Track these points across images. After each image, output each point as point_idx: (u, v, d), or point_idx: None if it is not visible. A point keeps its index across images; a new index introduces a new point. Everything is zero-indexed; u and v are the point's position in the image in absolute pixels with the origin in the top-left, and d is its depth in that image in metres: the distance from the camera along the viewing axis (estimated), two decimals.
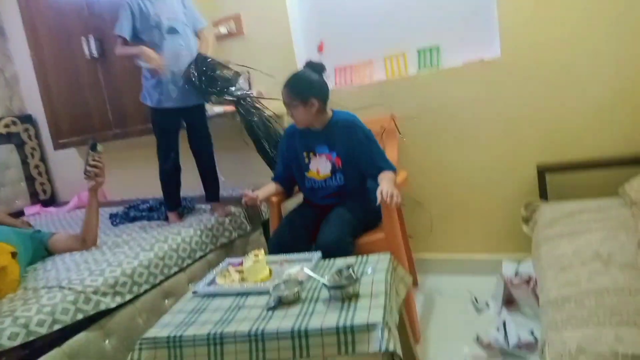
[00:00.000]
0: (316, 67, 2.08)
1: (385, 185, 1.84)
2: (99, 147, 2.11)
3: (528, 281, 1.99)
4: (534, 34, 2.22)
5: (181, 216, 2.58)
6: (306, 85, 2.02)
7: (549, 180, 2.23)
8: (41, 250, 2.17)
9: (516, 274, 2.07)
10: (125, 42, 2.32)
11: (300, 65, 2.75)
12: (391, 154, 2.34)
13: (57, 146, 3.56)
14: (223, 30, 2.93)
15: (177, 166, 2.52)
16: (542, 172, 2.22)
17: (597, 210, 1.85)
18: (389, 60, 2.67)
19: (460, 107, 2.44)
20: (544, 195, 2.23)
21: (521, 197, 2.29)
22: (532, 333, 1.80)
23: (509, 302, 2.07)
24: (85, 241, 2.19)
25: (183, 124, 2.54)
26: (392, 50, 2.65)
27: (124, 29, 2.29)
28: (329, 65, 2.77)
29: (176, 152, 2.50)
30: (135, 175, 3.47)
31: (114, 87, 3.12)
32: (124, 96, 3.07)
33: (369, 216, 2.09)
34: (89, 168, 2.09)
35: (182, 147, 2.54)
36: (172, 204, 2.57)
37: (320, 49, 2.85)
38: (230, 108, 2.66)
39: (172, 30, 2.34)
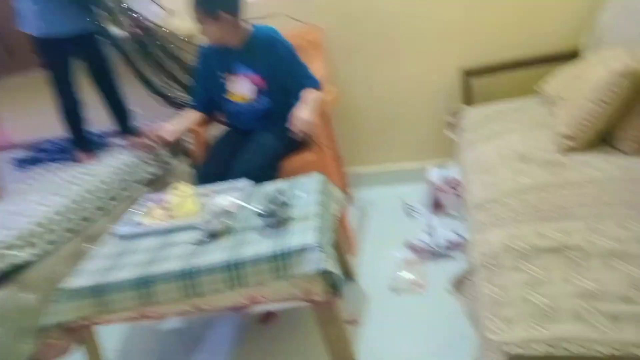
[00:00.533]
0: None
1: (300, 111, 1.77)
2: None
3: (454, 185, 2.06)
4: None
5: (93, 154, 2.38)
6: None
7: (474, 85, 2.24)
8: None
9: (443, 178, 2.13)
10: None
11: None
12: (317, 69, 2.23)
13: None
14: None
15: (76, 100, 2.29)
16: (466, 77, 2.23)
17: (517, 110, 1.90)
18: None
19: (385, 16, 2.33)
20: (468, 99, 2.25)
21: (447, 103, 2.31)
22: (459, 234, 1.89)
23: (437, 206, 2.15)
24: None
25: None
26: None
27: None
28: None
29: (72, 85, 2.26)
30: (40, 113, 3.10)
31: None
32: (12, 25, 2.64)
33: (296, 137, 2.02)
34: None
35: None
36: (79, 142, 2.36)
37: None
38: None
39: None
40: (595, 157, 1.40)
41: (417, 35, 2.33)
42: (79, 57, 2.27)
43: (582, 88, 1.51)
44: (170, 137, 1.96)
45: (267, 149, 1.90)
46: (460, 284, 1.12)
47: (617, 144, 1.41)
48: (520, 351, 0.79)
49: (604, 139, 1.47)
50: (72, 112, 2.30)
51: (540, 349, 0.78)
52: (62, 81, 2.22)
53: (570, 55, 2.01)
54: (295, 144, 2.02)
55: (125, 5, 2.21)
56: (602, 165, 1.34)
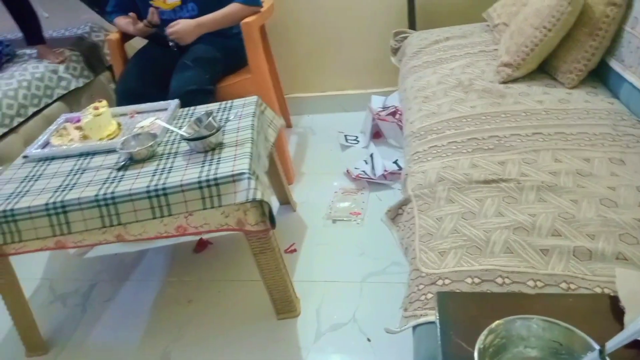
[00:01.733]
0: None
1: (181, 23, 1.69)
2: None
3: (394, 113, 2.02)
4: None
5: None
6: None
7: (420, 7, 2.13)
8: None
9: (384, 106, 2.08)
10: None
11: None
12: None
13: None
14: None
15: None
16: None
17: (461, 36, 1.84)
18: None
19: None
20: (412, 24, 2.15)
21: (391, 27, 2.19)
22: (397, 163, 1.88)
23: (376, 135, 2.12)
24: None
25: None
26: None
27: None
28: None
29: None
30: None
31: None
32: None
33: (232, 55, 1.85)
34: None
35: None
36: None
37: None
38: None
39: None
40: (534, 88, 1.39)
41: None
42: None
43: (525, 14, 1.46)
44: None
45: (205, 64, 1.73)
46: (394, 214, 1.11)
47: (558, 76, 1.40)
48: (450, 284, 0.78)
49: (544, 70, 1.46)
50: None
51: (472, 282, 0.77)
52: None
53: None
54: (235, 63, 1.86)
55: None
56: (540, 96, 1.33)
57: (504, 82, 1.44)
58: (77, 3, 2.36)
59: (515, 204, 0.92)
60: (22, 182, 1.30)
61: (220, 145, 1.32)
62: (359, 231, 1.68)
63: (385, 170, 1.85)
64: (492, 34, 1.75)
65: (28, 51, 2.20)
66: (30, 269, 1.71)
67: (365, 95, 2.32)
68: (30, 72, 1.99)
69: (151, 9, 1.74)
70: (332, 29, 2.36)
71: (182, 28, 1.70)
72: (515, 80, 1.44)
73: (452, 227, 0.90)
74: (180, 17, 1.80)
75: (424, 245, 0.90)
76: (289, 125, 2.39)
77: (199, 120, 1.35)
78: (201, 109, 1.54)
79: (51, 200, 1.18)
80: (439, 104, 1.43)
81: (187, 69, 1.70)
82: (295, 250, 1.64)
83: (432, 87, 1.54)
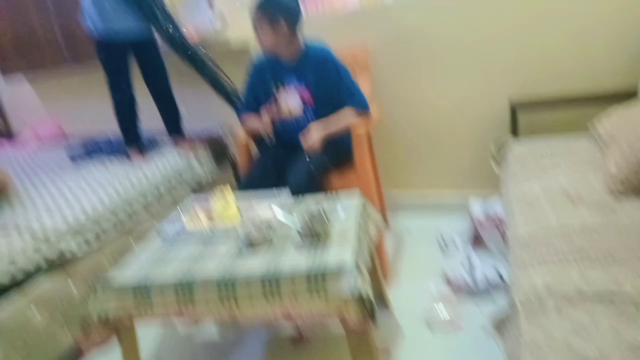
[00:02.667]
0: None
1: (313, 128, 1.89)
2: None
3: (496, 220, 2.02)
4: None
5: (143, 152, 2.47)
6: (276, 4, 1.88)
7: (521, 116, 2.21)
8: None
9: (484, 212, 2.09)
10: None
11: None
12: (363, 87, 2.25)
13: (4, 71, 3.26)
14: None
15: (131, 97, 2.38)
16: (514, 108, 2.19)
17: (566, 147, 1.85)
18: None
19: (434, 37, 2.34)
20: (514, 131, 2.22)
21: (492, 132, 2.27)
22: (498, 272, 1.85)
23: (476, 240, 2.11)
24: None
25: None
26: None
27: None
28: None
29: (128, 83, 2.35)
30: (95, 107, 3.26)
31: (61, 5, 2.82)
32: (74, 17, 2.78)
33: (340, 152, 2.05)
34: None
35: (136, 77, 2.39)
36: (131, 139, 2.44)
37: None
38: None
39: None
40: None
41: (465, 60, 2.32)
42: (135, 57, 2.37)
43: (636, 130, 1.46)
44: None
45: (312, 164, 1.93)
46: (500, 324, 1.10)
47: None
48: None
49: None
50: (125, 110, 2.38)
51: None
52: (117, 79, 2.31)
53: (626, 95, 1.95)
54: (342, 158, 2.05)
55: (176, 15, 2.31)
56: None
57: (614, 196, 1.42)
58: (213, 105, 2.79)
59: (632, 323, 0.89)
60: (156, 256, 1.50)
61: (327, 237, 1.43)
62: (457, 340, 1.63)
63: (487, 279, 1.82)
64: (599, 145, 1.75)
65: (167, 141, 2.59)
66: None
67: (464, 197, 2.36)
68: (167, 159, 2.33)
69: (269, 108, 2.00)
70: (433, 130, 2.50)
71: (314, 140, 1.94)
72: (625, 193, 1.42)
73: (563, 342, 0.89)
74: (301, 125, 2.05)
75: (534, 359, 0.89)
76: (386, 224, 2.47)
77: (309, 212, 1.48)
78: (311, 200, 1.70)
79: (180, 276, 1.35)
80: (544, 213, 1.43)
81: (302, 164, 1.90)
82: (389, 351, 1.63)
83: (536, 196, 1.55)
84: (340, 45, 2.30)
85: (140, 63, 2.39)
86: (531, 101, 2.18)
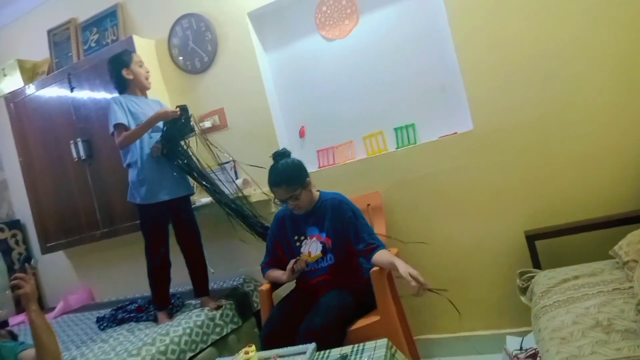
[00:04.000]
0: (286, 153, 2.15)
1: (403, 266, 1.82)
2: (33, 262, 1.86)
3: (533, 356, 1.90)
4: (503, 102, 2.30)
5: (171, 316, 2.47)
6: (297, 171, 2.08)
7: (540, 246, 2.21)
8: None
9: (521, 348, 1.98)
10: (123, 130, 2.32)
11: None
12: (379, 230, 2.33)
13: (45, 250, 3.51)
14: (208, 124, 3.03)
15: (168, 262, 2.47)
16: (531, 239, 2.20)
17: (591, 274, 1.81)
18: (369, 140, 2.75)
19: (442, 178, 2.47)
20: (536, 262, 2.19)
21: (515, 266, 2.24)
22: None
23: None
24: None
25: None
26: (371, 130, 2.74)
27: (121, 118, 2.31)
28: (312, 148, 2.87)
29: (167, 247, 2.46)
30: (124, 274, 3.40)
31: (101, 187, 3.15)
32: (111, 195, 3.10)
33: (361, 298, 2.04)
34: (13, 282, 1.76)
35: (171, 241, 2.52)
36: (162, 304, 2.47)
37: (301, 134, 2.94)
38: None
39: (155, 129, 2.41)
40: None
41: (478, 197, 2.40)
42: (172, 217, 2.50)
43: None
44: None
45: (333, 309, 1.92)
46: None
47: None
48: None
49: None
50: (159, 274, 2.44)
51: None
52: (158, 243, 2.41)
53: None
54: (364, 304, 2.03)
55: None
56: None
57: None
58: (236, 259, 2.88)
59: None
60: None
61: None
62: None
63: None
64: (624, 272, 1.72)
65: (193, 301, 2.63)
66: None
67: (499, 337, 2.23)
68: (193, 320, 2.34)
69: (301, 259, 2.07)
70: (454, 267, 2.48)
71: (413, 272, 1.83)
72: None
73: None
74: (321, 267, 2.11)
75: None
76: None
77: None
78: (336, 352, 1.65)
79: None
80: (578, 345, 1.36)
81: (318, 313, 1.89)
82: None
83: (568, 328, 1.49)
84: (354, 193, 2.45)
85: (175, 222, 2.51)
86: (546, 232, 2.19)
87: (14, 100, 3.47)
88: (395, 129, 2.67)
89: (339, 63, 2.80)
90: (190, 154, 2.54)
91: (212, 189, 2.57)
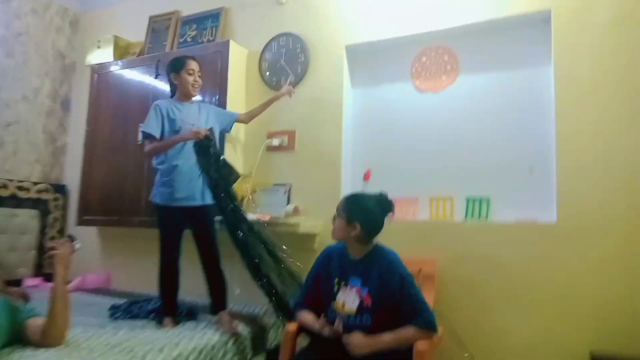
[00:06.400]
0: (383, 203, 1.97)
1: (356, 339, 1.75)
2: (76, 243, 1.97)
3: None
4: (595, 199, 2.11)
5: (176, 323, 2.37)
6: (358, 208, 1.93)
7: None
8: (20, 330, 1.85)
9: None
10: (153, 141, 2.38)
11: (343, 189, 2.70)
12: (427, 299, 2.10)
13: (80, 222, 3.48)
14: (275, 142, 2.96)
15: (176, 267, 2.42)
16: None
17: None
18: (435, 202, 2.59)
19: (509, 264, 2.26)
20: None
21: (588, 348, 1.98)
22: None
23: None
24: (47, 336, 1.81)
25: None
26: (439, 192, 2.58)
27: (154, 129, 2.37)
28: None
29: (178, 252, 2.42)
30: (146, 268, 3.26)
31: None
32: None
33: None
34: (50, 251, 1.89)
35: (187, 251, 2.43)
36: (168, 310, 2.40)
37: (366, 176, 2.81)
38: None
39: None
40: None
41: (543, 296, 2.18)
42: (191, 228, 2.44)
43: None
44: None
45: None
46: None
47: None
48: None
49: None
50: (168, 278, 2.40)
51: None
52: (171, 247, 2.39)
53: None
54: None
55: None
56: None
57: None
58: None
59: None
60: None
61: None
62: None
63: None
64: None
65: (210, 317, 2.45)
66: None
67: None
68: (204, 340, 2.16)
69: (337, 321, 1.88)
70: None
71: (357, 343, 1.78)
72: None
73: None
74: (354, 325, 1.89)
75: None
76: None
77: None
78: None
79: None
80: None
81: None
82: None
83: None
84: (407, 254, 2.26)
85: (193, 231, 2.45)
86: (619, 357, 1.92)
87: (99, 72, 3.56)
88: (468, 199, 2.49)
89: (424, 116, 2.69)
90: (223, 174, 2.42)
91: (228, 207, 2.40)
